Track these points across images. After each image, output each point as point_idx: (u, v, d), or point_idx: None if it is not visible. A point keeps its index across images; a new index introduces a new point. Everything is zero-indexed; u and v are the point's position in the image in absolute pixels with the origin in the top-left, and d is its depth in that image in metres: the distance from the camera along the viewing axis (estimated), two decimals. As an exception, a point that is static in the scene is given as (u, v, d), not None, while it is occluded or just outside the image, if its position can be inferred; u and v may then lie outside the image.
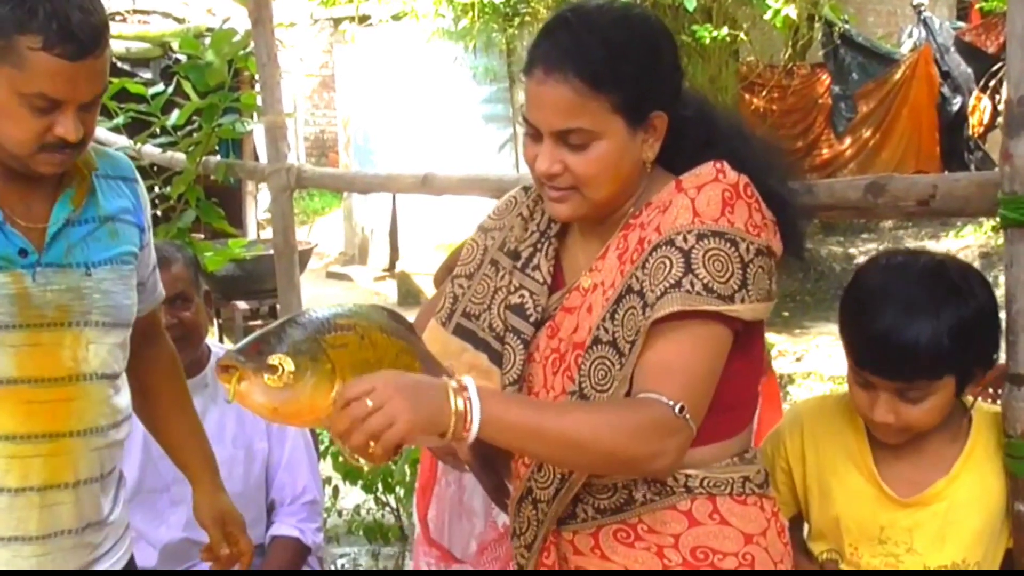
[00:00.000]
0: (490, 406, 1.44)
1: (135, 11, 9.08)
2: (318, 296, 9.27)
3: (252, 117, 4.26)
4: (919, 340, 1.69)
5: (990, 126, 9.67)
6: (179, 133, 4.26)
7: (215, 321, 7.45)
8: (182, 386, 2.18)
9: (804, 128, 10.43)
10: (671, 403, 1.51)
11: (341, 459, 3.84)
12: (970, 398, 1.84)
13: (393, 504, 4.32)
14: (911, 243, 10.22)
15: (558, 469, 1.69)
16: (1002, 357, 1.81)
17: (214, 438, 2.67)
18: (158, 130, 4.27)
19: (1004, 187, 1.73)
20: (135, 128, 4.39)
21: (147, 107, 4.15)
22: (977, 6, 11.31)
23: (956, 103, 10.10)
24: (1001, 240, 1.87)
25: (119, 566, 1.93)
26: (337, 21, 11.79)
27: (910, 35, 10.63)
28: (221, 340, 7.36)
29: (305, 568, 2.76)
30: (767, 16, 8.59)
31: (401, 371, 1.48)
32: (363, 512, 4.45)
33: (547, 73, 1.61)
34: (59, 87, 1.64)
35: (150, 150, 4.47)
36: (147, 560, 2.63)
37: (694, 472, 1.66)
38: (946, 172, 8.01)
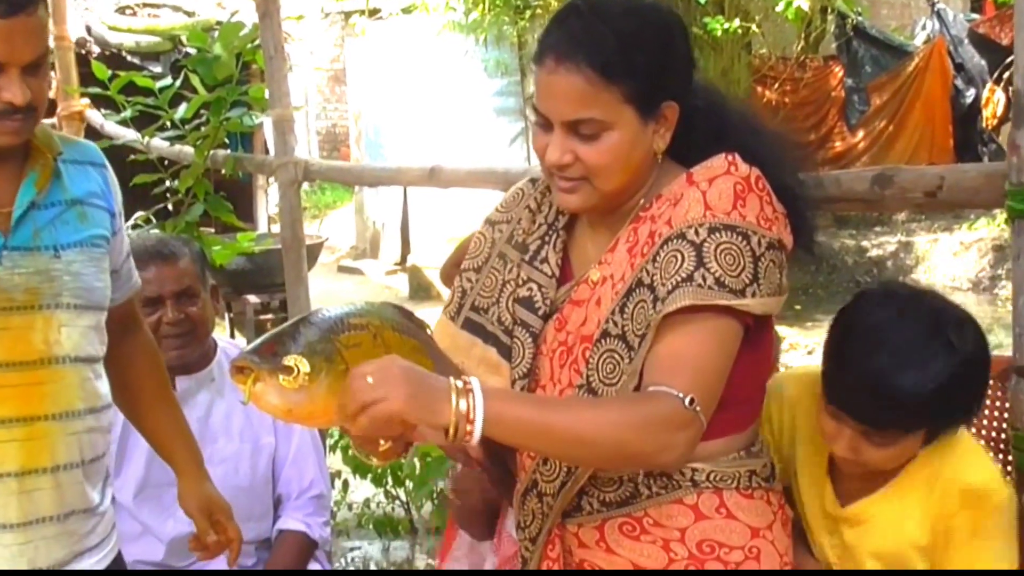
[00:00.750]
0: (493, 406, 1.43)
1: (145, 4, 9.07)
2: (329, 291, 9.29)
3: (261, 111, 4.25)
4: (902, 392, 1.64)
5: (1004, 118, 9.58)
6: (187, 127, 4.26)
7: (227, 315, 7.45)
8: (163, 377, 2.16)
9: (817, 121, 10.40)
10: (681, 396, 1.49)
11: (351, 453, 3.84)
12: None
13: (403, 497, 4.32)
14: (924, 236, 10.19)
15: (564, 463, 1.67)
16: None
17: (221, 432, 2.68)
18: (167, 124, 4.27)
19: (1012, 178, 1.70)
20: (143, 122, 4.39)
21: (155, 101, 4.15)
22: (991, -2, 11.25)
23: (970, 95, 10.06)
24: (1017, 233, 1.83)
25: (106, 562, 1.92)
26: (348, 15, 11.77)
27: (923, 27, 10.60)
28: (232, 335, 7.35)
29: (313, 563, 2.75)
30: (779, 8, 8.58)
31: (413, 364, 1.47)
32: (373, 506, 4.45)
33: (558, 62, 1.59)
34: None
35: (158, 143, 4.48)
36: (154, 554, 2.62)
37: (701, 466, 1.65)
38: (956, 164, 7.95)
